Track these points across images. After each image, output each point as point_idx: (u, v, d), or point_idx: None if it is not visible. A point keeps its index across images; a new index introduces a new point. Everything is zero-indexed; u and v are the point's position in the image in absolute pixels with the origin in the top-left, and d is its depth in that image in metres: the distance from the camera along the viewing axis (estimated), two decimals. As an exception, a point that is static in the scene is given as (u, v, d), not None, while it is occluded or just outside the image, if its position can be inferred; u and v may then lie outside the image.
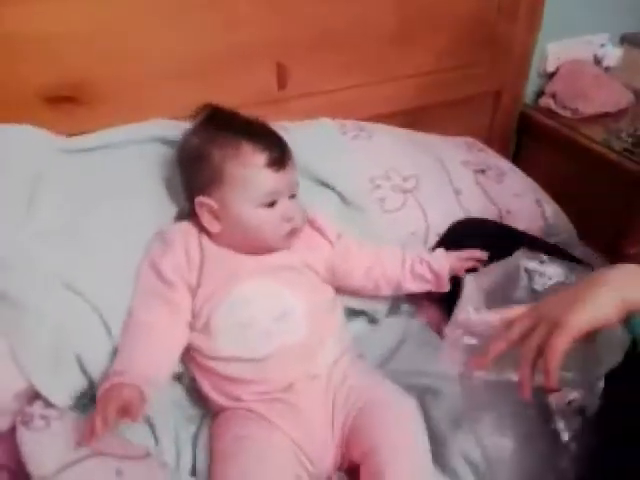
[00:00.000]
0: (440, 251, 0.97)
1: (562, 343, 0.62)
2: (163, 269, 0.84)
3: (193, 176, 0.88)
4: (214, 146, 0.85)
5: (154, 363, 0.80)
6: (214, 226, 0.87)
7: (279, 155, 0.86)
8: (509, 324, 0.69)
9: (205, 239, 0.87)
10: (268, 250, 0.88)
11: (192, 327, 0.85)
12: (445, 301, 1.03)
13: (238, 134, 0.85)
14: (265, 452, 0.76)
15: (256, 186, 0.84)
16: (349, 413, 0.81)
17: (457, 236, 1.05)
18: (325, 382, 0.84)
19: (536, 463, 0.79)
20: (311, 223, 0.94)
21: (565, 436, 0.77)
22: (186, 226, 0.89)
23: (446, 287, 0.94)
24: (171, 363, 0.83)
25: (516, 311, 0.71)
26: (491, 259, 0.90)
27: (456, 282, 0.90)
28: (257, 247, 0.87)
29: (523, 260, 0.78)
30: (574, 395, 0.75)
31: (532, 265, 0.78)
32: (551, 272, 0.78)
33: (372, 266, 0.95)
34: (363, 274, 0.95)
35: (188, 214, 0.92)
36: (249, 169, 0.84)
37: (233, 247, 0.87)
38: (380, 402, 0.82)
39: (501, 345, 0.69)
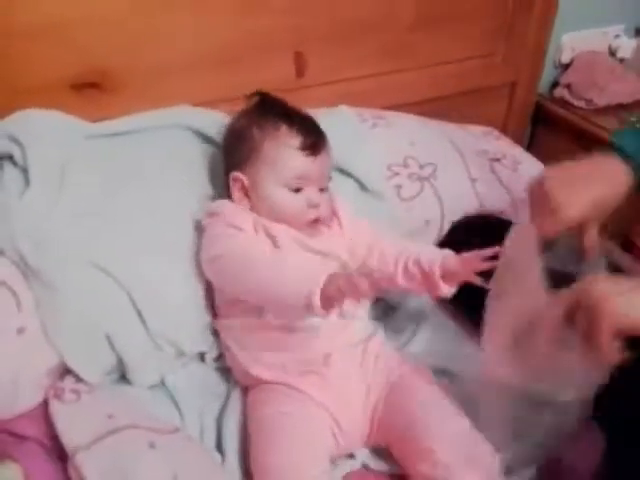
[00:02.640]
0: (440, 253, 0.89)
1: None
2: (237, 224, 0.85)
3: (232, 153, 0.92)
4: (256, 126, 0.89)
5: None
6: (243, 202, 0.90)
7: (314, 141, 0.89)
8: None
9: (247, 211, 0.90)
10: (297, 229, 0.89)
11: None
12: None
13: (279, 117, 0.89)
14: (304, 429, 0.78)
15: (285, 166, 0.87)
16: (382, 389, 0.84)
17: (459, 236, 1.06)
18: (360, 356, 0.87)
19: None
20: (333, 211, 0.95)
21: None
22: (227, 201, 0.91)
23: (439, 293, 0.87)
24: None
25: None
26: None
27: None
28: (287, 224, 0.88)
29: None
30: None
31: None
32: None
33: (369, 255, 0.93)
34: (361, 260, 0.94)
35: (224, 191, 0.94)
36: (283, 149, 0.87)
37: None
38: (411, 378, 0.85)
39: None
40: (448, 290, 0.86)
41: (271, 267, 0.79)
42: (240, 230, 0.85)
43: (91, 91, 1.03)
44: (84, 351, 0.82)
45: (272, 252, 0.84)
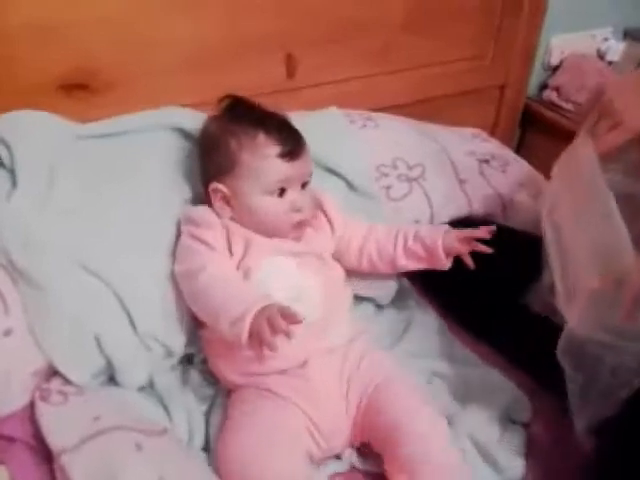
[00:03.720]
0: (439, 227, 0.97)
1: None
2: (204, 238, 0.86)
3: (209, 163, 0.92)
4: (231, 135, 0.88)
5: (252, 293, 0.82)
6: (225, 212, 0.90)
7: (292, 147, 0.88)
8: None
9: (225, 219, 0.90)
10: (281, 237, 0.90)
11: None
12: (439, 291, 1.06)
13: (254, 125, 0.88)
14: (275, 426, 0.78)
15: (266, 175, 0.87)
16: (365, 390, 0.83)
17: None
18: (341, 359, 0.86)
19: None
20: (319, 206, 0.96)
21: None
22: (207, 209, 0.91)
23: (442, 264, 0.93)
24: None
25: None
26: (488, 257, 0.90)
27: (458, 261, 0.92)
28: (267, 233, 0.89)
29: None
30: None
31: None
32: None
33: (365, 243, 0.97)
34: (357, 251, 0.97)
35: (203, 200, 0.94)
36: (261, 159, 0.87)
37: (249, 230, 0.90)
38: (396, 379, 0.84)
39: None
40: (448, 263, 0.92)
41: (218, 295, 0.81)
42: (206, 246, 0.85)
43: (80, 92, 1.03)
44: (72, 353, 0.82)
45: (232, 272, 0.85)
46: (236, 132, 0.88)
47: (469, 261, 0.91)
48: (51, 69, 0.99)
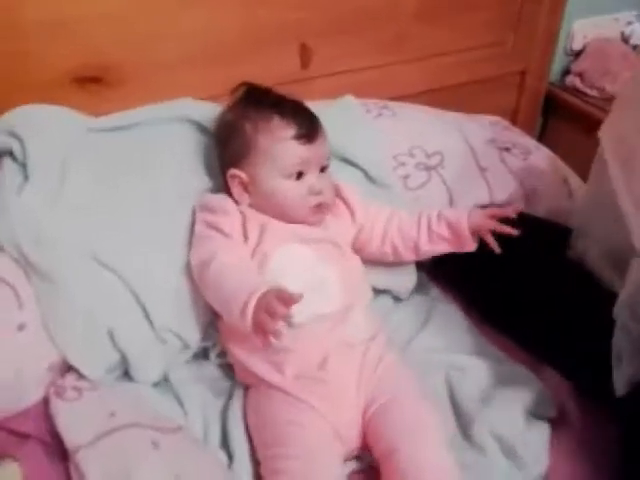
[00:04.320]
0: (463, 207, 0.96)
1: None
2: (218, 225, 0.85)
3: (226, 150, 0.91)
4: (247, 120, 0.88)
5: (254, 276, 0.82)
6: (244, 198, 0.89)
7: (308, 129, 0.87)
8: None
9: (242, 206, 0.89)
10: (300, 222, 0.89)
11: None
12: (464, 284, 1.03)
13: (269, 108, 0.88)
14: (317, 440, 0.76)
15: (283, 157, 0.86)
16: (375, 399, 0.81)
17: None
18: (360, 357, 0.83)
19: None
20: (337, 192, 0.94)
21: None
22: (223, 196, 0.91)
23: (469, 246, 0.90)
24: None
25: None
26: (512, 248, 0.87)
27: (482, 254, 0.89)
28: (286, 218, 0.88)
29: None
30: None
31: None
32: None
33: (388, 229, 0.95)
34: (379, 238, 0.95)
35: (218, 191, 0.93)
36: (277, 141, 0.86)
37: (268, 215, 0.89)
38: (407, 397, 0.81)
39: None
40: (474, 245, 0.90)
41: (228, 284, 0.80)
42: (220, 233, 0.85)
43: (93, 85, 1.02)
44: (86, 347, 0.81)
45: (244, 259, 0.84)
46: (251, 116, 0.88)
47: (493, 243, 0.88)
48: (64, 63, 0.98)
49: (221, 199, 0.90)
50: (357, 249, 0.95)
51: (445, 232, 0.92)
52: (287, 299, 0.72)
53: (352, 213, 0.94)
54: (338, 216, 0.94)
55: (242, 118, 0.89)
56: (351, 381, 0.82)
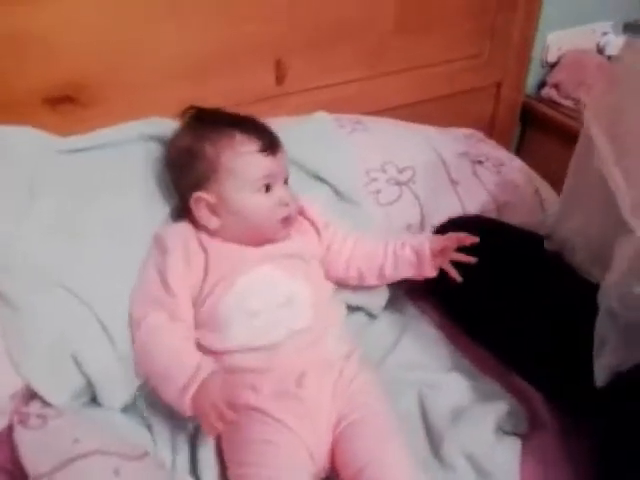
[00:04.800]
0: (424, 234, 0.98)
1: None
2: (169, 278, 0.84)
3: (187, 174, 0.89)
4: (206, 141, 0.87)
5: (192, 351, 0.81)
6: (213, 222, 0.87)
7: (270, 141, 0.88)
8: None
9: (204, 236, 0.88)
10: (268, 240, 0.89)
11: (198, 324, 0.85)
12: (439, 293, 1.04)
13: (228, 126, 0.88)
14: (288, 459, 0.76)
15: (250, 172, 0.86)
16: (345, 417, 0.80)
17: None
18: (337, 375, 0.83)
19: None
20: (301, 212, 0.95)
21: None
22: (183, 227, 0.90)
23: (430, 272, 0.93)
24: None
25: None
26: (484, 257, 0.88)
27: (442, 271, 0.91)
28: (257, 237, 0.88)
29: None
30: None
31: None
32: None
33: (354, 253, 0.96)
34: (345, 262, 0.96)
35: (182, 215, 0.92)
36: (242, 157, 0.86)
37: (233, 240, 0.88)
38: (375, 419, 0.80)
39: None
40: (435, 272, 0.92)
41: (159, 359, 0.80)
42: (162, 279, 0.84)
43: (66, 106, 1.01)
44: (51, 374, 0.79)
45: (183, 319, 0.84)
46: (210, 136, 0.87)
47: (454, 273, 0.91)
48: (35, 82, 0.97)
49: (176, 230, 0.88)
50: (323, 270, 0.95)
51: (410, 257, 0.93)
52: (234, 406, 0.73)
53: (317, 231, 0.95)
54: (303, 233, 0.94)
55: (200, 139, 0.88)
56: (327, 400, 0.81)
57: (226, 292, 0.84)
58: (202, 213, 0.88)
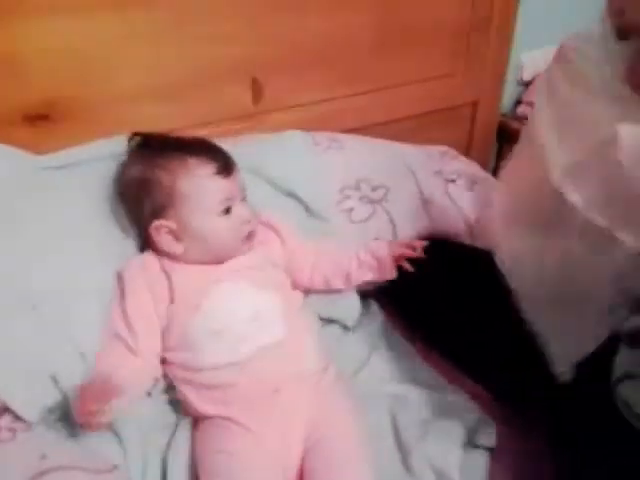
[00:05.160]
0: (381, 240, 1.02)
1: None
2: (129, 313, 0.85)
3: (143, 205, 0.88)
4: (159, 169, 0.87)
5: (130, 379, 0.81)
6: (176, 247, 0.88)
7: (225, 162, 0.89)
8: None
9: (166, 262, 0.89)
10: (231, 257, 0.90)
11: (170, 347, 0.86)
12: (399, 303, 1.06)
13: (179, 151, 0.88)
14: (252, 471, 0.76)
15: (208, 196, 0.87)
16: (312, 432, 0.80)
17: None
18: (312, 389, 0.84)
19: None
20: (264, 222, 0.96)
21: None
22: (142, 259, 0.90)
23: (390, 273, 0.96)
24: (141, 389, 0.85)
25: None
26: (459, 282, 0.92)
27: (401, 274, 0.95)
28: (220, 256, 0.89)
29: None
30: None
31: None
32: None
33: (318, 258, 0.98)
34: (310, 267, 0.98)
35: (142, 247, 0.93)
36: (199, 181, 0.86)
37: (197, 262, 0.89)
38: (337, 436, 0.80)
39: None
40: (394, 273, 0.96)
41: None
42: (123, 314, 0.85)
43: (43, 123, 1.02)
44: (22, 388, 0.80)
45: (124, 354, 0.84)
46: (162, 164, 0.87)
47: (408, 266, 0.95)
48: (14, 100, 0.98)
49: (137, 267, 0.88)
50: (290, 279, 0.96)
51: (371, 261, 0.97)
52: (103, 393, 0.74)
53: (282, 239, 0.97)
54: (267, 243, 0.95)
55: (152, 168, 0.87)
56: (302, 414, 0.82)
57: (192, 315, 0.84)
58: (164, 240, 0.88)
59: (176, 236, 0.88)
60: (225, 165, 0.88)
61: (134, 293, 0.86)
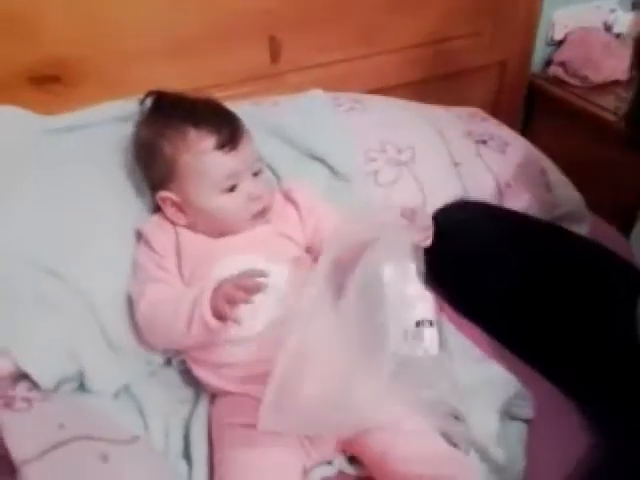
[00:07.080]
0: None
1: None
2: (161, 259, 0.83)
3: (150, 171, 0.86)
4: (163, 139, 0.82)
5: None
6: (180, 219, 0.85)
7: (228, 135, 0.81)
8: None
9: (179, 228, 0.85)
10: (240, 232, 0.85)
11: None
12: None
13: (183, 122, 0.81)
14: (272, 445, 0.73)
15: (210, 173, 0.81)
16: None
17: (448, 223, 0.96)
18: None
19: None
20: (286, 194, 0.91)
21: None
22: (158, 219, 0.87)
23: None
24: None
25: None
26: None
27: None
28: (228, 232, 0.85)
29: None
30: None
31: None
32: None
33: None
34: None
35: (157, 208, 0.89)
36: (199, 157, 0.81)
37: (206, 234, 0.85)
38: None
39: None
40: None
41: (163, 316, 0.79)
42: (153, 264, 0.83)
43: (53, 85, 0.99)
44: (40, 354, 0.77)
45: (174, 288, 0.82)
46: (166, 133, 0.82)
47: None
48: (20, 61, 0.95)
49: (154, 225, 0.86)
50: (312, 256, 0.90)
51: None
52: (248, 288, 0.71)
53: (300, 216, 0.90)
54: (284, 217, 0.89)
55: (157, 136, 0.83)
56: None
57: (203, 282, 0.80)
58: (169, 211, 0.85)
59: (180, 208, 0.84)
60: (228, 138, 0.81)
61: (156, 242, 0.84)
